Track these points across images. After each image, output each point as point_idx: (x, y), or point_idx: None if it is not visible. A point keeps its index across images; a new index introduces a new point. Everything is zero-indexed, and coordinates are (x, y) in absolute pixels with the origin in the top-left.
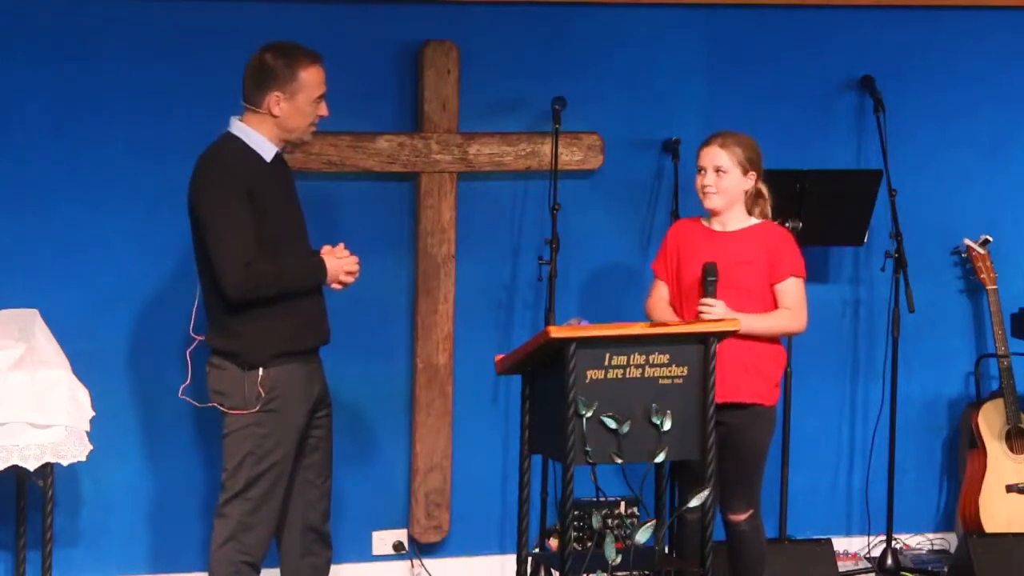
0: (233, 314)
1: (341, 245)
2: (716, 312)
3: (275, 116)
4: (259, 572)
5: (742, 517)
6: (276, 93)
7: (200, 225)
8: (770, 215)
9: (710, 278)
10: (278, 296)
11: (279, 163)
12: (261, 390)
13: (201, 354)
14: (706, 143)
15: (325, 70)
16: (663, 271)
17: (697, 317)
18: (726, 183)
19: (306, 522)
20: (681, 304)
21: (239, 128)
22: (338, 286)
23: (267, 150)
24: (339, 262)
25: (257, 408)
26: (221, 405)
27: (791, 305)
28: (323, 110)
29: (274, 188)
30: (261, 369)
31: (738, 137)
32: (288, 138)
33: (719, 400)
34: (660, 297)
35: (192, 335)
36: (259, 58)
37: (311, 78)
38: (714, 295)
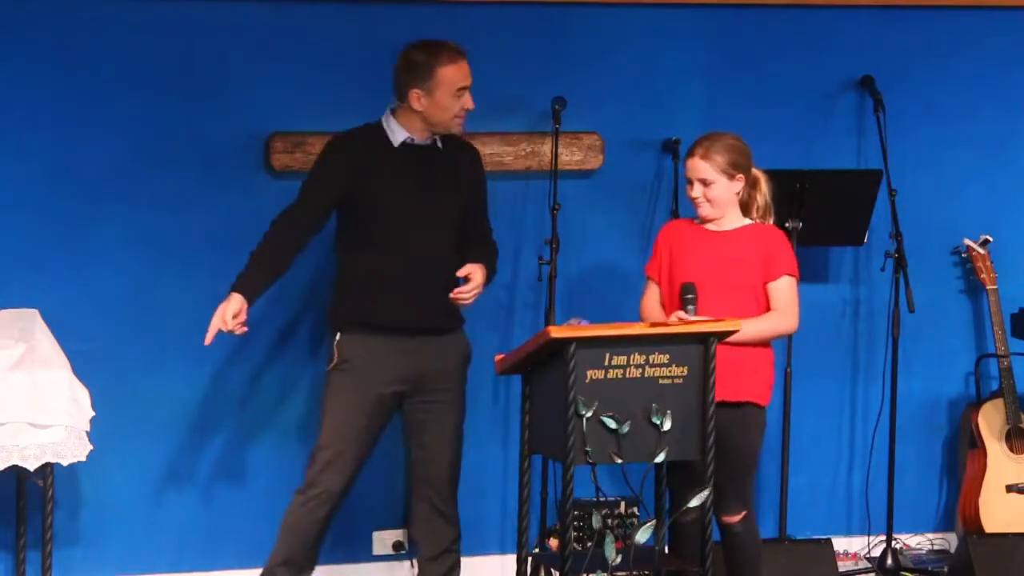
0: (335, 280)
1: (242, 315)
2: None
3: (417, 111)
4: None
5: (736, 519)
6: (416, 90)
7: None
8: (768, 200)
9: (688, 295)
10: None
11: (422, 149)
12: (337, 352)
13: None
14: (689, 154)
15: (469, 64)
16: (655, 273)
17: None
18: (714, 192)
19: (426, 498)
20: (673, 305)
21: (385, 114)
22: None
23: (398, 135)
24: (226, 309)
25: (330, 368)
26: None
27: (781, 305)
28: (468, 103)
29: (392, 170)
30: (339, 333)
31: (720, 143)
32: (434, 129)
33: (717, 399)
34: (650, 298)
35: None
36: (405, 54)
37: (449, 75)
38: (693, 315)
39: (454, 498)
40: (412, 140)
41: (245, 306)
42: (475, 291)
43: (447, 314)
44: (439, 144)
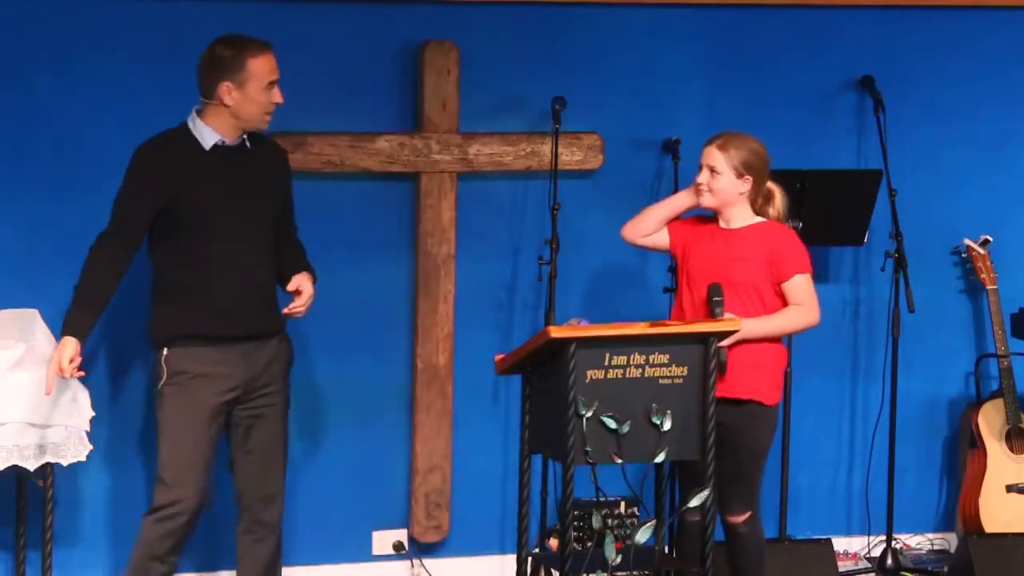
0: (153, 293)
1: (78, 358)
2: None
3: (227, 106)
4: None
5: (740, 519)
6: (226, 83)
7: None
8: (782, 215)
9: (716, 298)
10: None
11: (233, 150)
12: (165, 368)
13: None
14: (709, 141)
15: (276, 57)
16: (676, 223)
17: (701, 315)
18: (718, 184)
19: (250, 507)
20: (690, 289)
21: (191, 117)
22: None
23: (209, 138)
24: (62, 355)
25: (160, 385)
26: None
27: (801, 301)
28: (276, 97)
29: (208, 176)
30: (165, 348)
31: (741, 140)
32: (243, 126)
33: (727, 396)
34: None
35: None
36: (210, 50)
37: (260, 67)
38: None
39: (280, 505)
40: (223, 142)
41: (79, 348)
42: (308, 303)
43: (272, 317)
44: (248, 144)
